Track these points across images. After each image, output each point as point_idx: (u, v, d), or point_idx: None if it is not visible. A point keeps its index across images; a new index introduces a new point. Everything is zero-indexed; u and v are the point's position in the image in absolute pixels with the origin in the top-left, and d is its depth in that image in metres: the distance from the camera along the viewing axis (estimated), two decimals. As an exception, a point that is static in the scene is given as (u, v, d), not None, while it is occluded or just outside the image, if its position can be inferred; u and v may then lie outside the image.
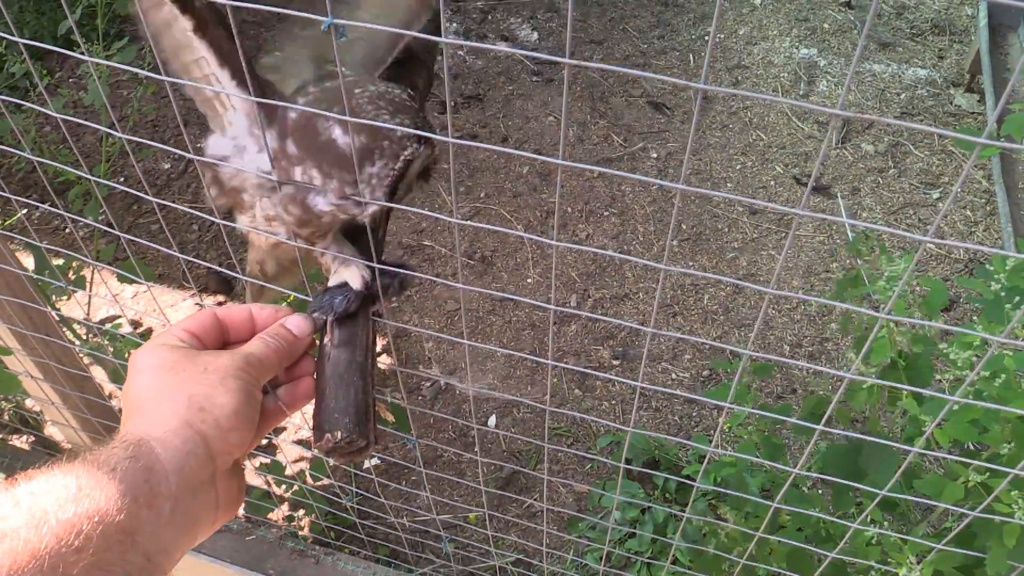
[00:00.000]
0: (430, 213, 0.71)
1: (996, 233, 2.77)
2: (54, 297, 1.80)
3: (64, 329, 1.49)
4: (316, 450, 0.77)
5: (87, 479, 0.55)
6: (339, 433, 0.75)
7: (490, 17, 3.47)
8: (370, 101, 0.71)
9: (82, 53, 0.73)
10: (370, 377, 0.80)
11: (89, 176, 0.83)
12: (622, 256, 0.57)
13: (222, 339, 0.77)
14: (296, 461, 2.09)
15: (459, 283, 0.82)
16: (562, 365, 0.82)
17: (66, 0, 0.70)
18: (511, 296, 0.95)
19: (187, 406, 0.64)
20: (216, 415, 0.65)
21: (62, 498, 0.53)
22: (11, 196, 1.00)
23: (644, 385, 0.75)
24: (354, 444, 0.76)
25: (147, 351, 0.70)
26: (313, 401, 0.79)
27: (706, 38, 3.44)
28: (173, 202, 2.90)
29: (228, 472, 0.67)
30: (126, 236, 0.93)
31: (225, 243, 2.74)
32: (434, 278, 0.84)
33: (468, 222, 0.63)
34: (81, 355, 1.50)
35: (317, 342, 0.82)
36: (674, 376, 2.36)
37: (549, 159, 0.58)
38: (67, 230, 2.81)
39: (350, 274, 0.82)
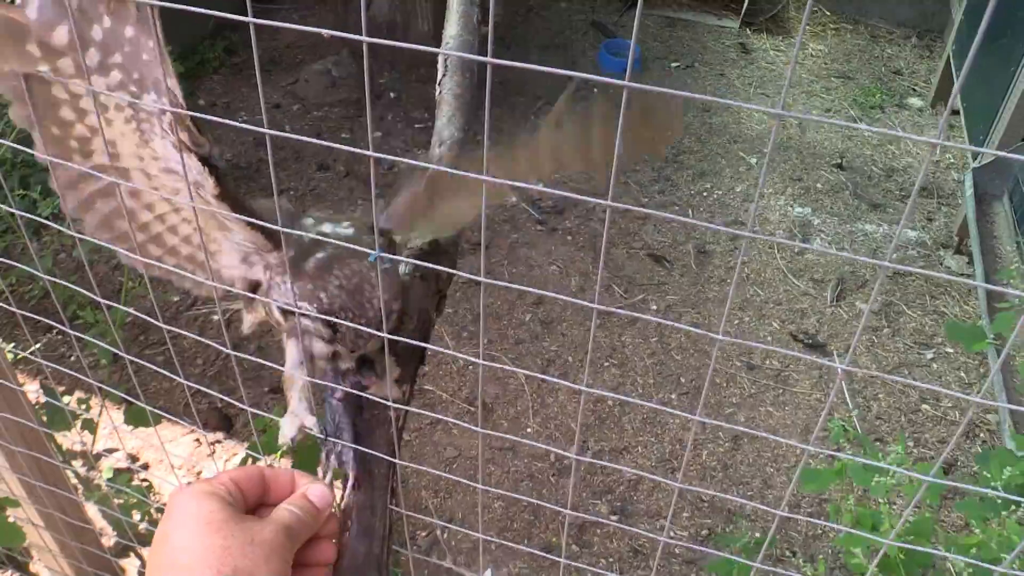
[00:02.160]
0: (435, 348, 0.74)
1: (990, 395, 2.81)
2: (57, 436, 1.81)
3: (69, 474, 1.50)
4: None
5: None
6: None
7: (498, 166, 3.62)
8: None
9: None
10: (385, 571, 0.82)
11: (108, 302, 0.87)
12: (662, 407, 0.61)
13: (263, 498, 0.77)
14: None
15: (471, 424, 0.85)
16: (588, 517, 0.83)
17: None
18: (540, 444, 0.98)
19: None
20: None
21: None
22: (26, 314, 1.04)
23: (657, 537, 0.77)
24: None
25: (193, 499, 0.68)
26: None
27: (704, 193, 3.59)
28: (179, 335, 2.95)
29: None
30: (135, 358, 0.97)
31: (230, 376, 2.76)
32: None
33: (492, 363, 0.67)
34: (85, 506, 1.50)
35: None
36: (672, 534, 2.34)
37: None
38: (73, 358, 2.85)
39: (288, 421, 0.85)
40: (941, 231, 3.49)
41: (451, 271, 0.78)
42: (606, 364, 2.80)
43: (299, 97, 4.12)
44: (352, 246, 0.73)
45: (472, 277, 0.64)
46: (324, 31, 0.55)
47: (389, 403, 0.81)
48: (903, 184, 3.74)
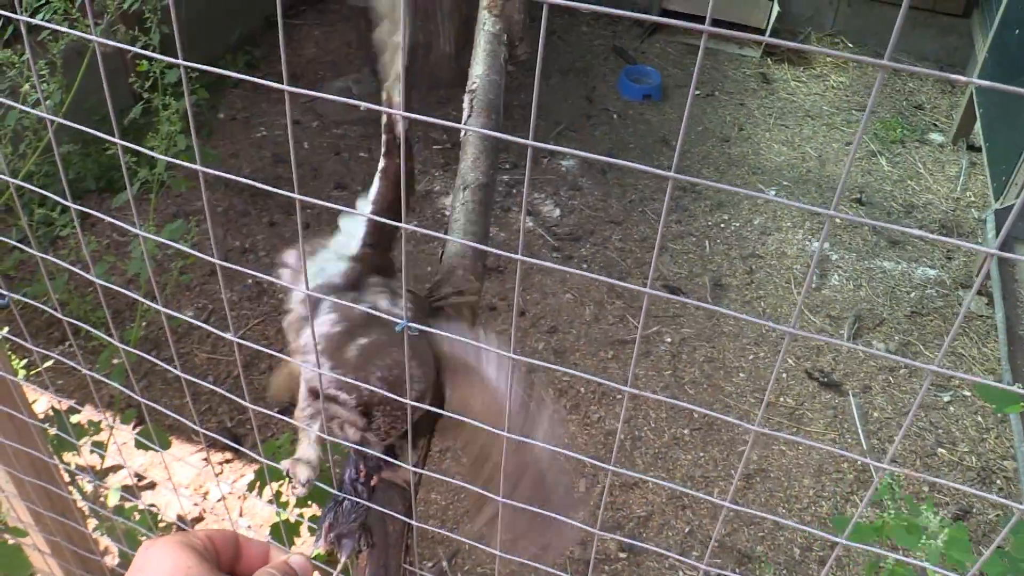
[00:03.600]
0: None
1: (1008, 441, 2.77)
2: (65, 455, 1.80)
3: (77, 498, 1.48)
4: None
5: None
6: None
7: (514, 191, 3.62)
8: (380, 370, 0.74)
9: (132, 225, 0.77)
10: None
11: (120, 345, 0.86)
12: (719, 415, 0.59)
13: (234, 564, 0.75)
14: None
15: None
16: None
17: (126, 173, 0.75)
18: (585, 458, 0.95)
19: None
20: None
21: None
22: (33, 347, 1.03)
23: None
24: None
25: (164, 550, 0.65)
26: None
27: (722, 225, 3.57)
28: (191, 352, 2.94)
29: None
30: (147, 403, 0.95)
31: (241, 395, 2.75)
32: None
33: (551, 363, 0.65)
34: (95, 536, 1.49)
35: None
36: (681, 574, 2.31)
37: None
38: (81, 372, 2.84)
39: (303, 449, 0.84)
40: (960, 270, 3.45)
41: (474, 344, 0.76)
42: (618, 396, 2.77)
43: (318, 114, 4.13)
44: (390, 318, 0.72)
45: (503, 352, 0.63)
46: (361, 104, 0.54)
47: (408, 485, 0.79)
48: (923, 221, 3.70)
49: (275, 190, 0.57)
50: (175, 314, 0.78)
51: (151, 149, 2.11)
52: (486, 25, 1.58)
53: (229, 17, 4.44)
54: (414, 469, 0.76)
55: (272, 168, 3.71)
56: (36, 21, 0.88)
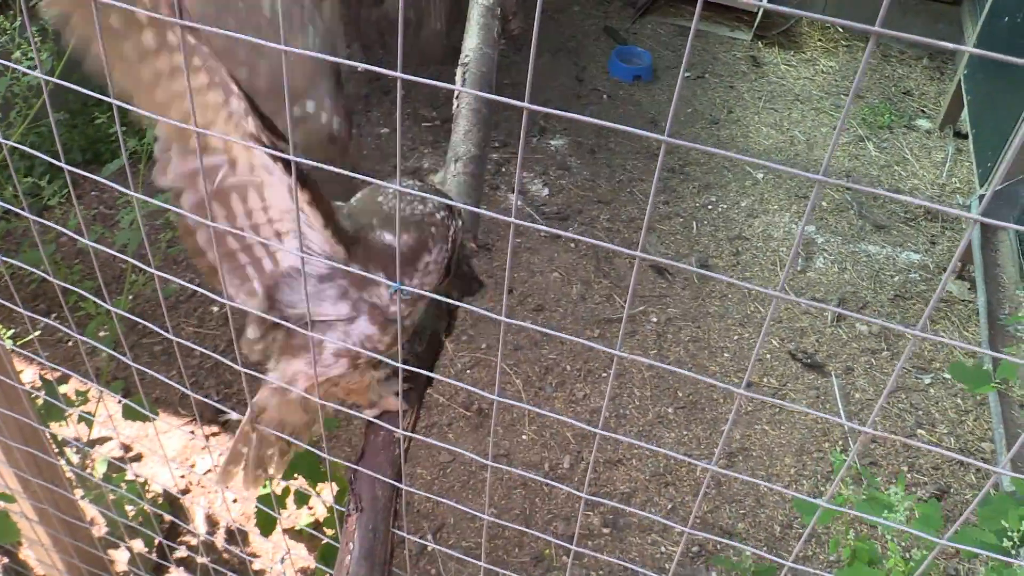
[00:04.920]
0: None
1: (986, 423, 2.81)
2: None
3: (65, 468, 1.49)
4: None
5: None
6: None
7: (504, 169, 3.62)
8: (402, 199, 0.77)
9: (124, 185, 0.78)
10: None
11: (112, 308, 0.87)
12: (712, 380, 0.60)
13: None
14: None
15: (455, 443, 0.85)
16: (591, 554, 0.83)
17: (121, 137, 0.76)
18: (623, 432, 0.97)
19: None
20: None
21: None
22: (24, 311, 1.04)
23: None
24: None
25: None
26: None
27: (709, 206, 3.59)
28: (179, 325, 2.94)
29: None
30: (136, 366, 0.96)
31: (228, 368, 2.75)
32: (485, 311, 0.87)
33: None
34: (81, 503, 1.50)
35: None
36: (663, 550, 2.34)
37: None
38: (70, 343, 2.83)
39: (388, 401, 0.87)
40: (944, 255, 3.49)
41: (460, 304, 0.77)
42: (604, 374, 2.80)
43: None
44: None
45: (489, 315, 0.64)
46: (358, 65, 0.55)
47: (397, 429, 0.80)
48: (908, 206, 3.73)
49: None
50: (169, 277, 0.79)
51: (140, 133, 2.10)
52: (479, -1, 1.58)
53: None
54: (404, 432, 0.77)
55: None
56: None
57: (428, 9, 3.97)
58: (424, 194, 0.78)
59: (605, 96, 4.17)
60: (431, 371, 0.95)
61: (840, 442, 2.70)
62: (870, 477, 1.16)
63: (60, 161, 0.73)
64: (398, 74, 0.55)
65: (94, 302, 2.55)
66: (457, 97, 1.32)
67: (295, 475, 1.76)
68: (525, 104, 0.48)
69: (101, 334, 2.29)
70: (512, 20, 1.54)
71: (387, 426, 0.82)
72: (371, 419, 0.88)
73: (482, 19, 1.52)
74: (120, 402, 1.93)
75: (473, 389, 0.77)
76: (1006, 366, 1.14)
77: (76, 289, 0.92)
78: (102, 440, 2.47)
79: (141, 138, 2.03)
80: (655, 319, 3.03)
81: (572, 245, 3.30)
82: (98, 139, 3.35)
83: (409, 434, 0.85)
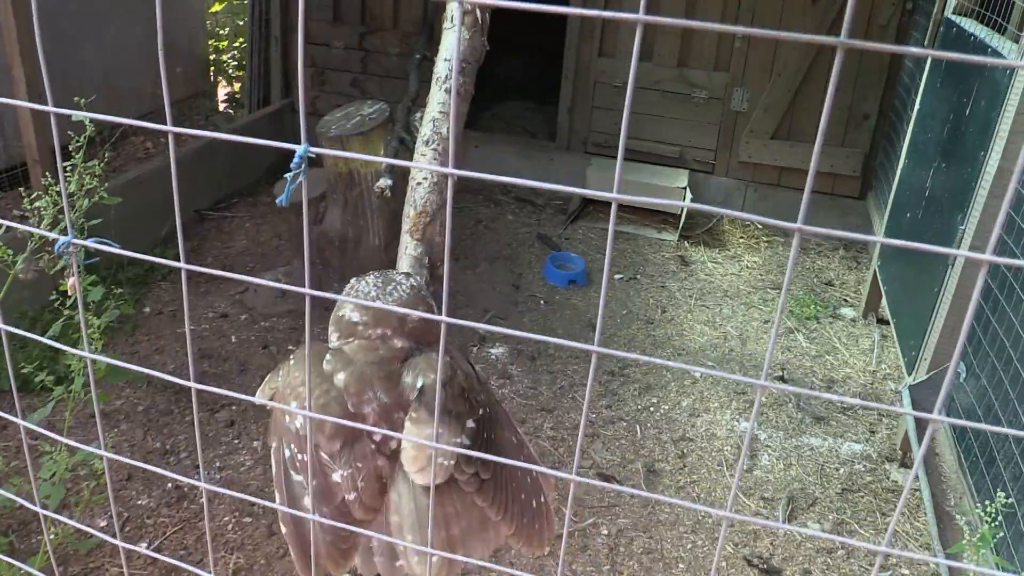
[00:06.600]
0: None
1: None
2: None
3: None
4: None
5: None
6: None
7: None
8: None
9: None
10: None
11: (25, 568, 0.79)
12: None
13: None
14: None
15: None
16: None
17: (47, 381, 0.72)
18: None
19: None
20: None
21: None
22: None
23: None
24: None
25: None
26: None
27: (651, 408, 3.61)
28: (102, 567, 2.76)
29: None
30: None
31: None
32: None
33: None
34: None
35: None
36: None
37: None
38: None
39: None
40: (885, 443, 3.53)
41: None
42: (557, 597, 2.68)
43: (247, 307, 4.13)
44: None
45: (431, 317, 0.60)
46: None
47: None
48: (843, 395, 3.81)
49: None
50: (87, 529, 0.74)
51: (68, 367, 2.07)
52: (408, 249, 1.63)
53: (160, 211, 4.50)
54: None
55: (199, 364, 3.65)
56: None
57: (367, 227, 4.10)
58: None
59: (542, 302, 4.28)
60: None
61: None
62: None
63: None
64: (306, 290, 0.55)
65: (9, 547, 2.40)
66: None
67: None
68: (443, 317, 0.47)
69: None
70: (439, 266, 1.60)
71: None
72: None
73: (411, 269, 1.57)
74: None
75: None
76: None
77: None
78: None
79: (69, 386, 1.99)
80: (606, 531, 2.95)
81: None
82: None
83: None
